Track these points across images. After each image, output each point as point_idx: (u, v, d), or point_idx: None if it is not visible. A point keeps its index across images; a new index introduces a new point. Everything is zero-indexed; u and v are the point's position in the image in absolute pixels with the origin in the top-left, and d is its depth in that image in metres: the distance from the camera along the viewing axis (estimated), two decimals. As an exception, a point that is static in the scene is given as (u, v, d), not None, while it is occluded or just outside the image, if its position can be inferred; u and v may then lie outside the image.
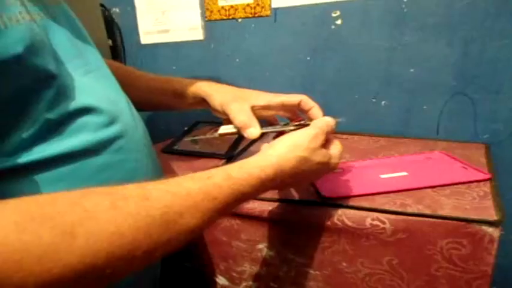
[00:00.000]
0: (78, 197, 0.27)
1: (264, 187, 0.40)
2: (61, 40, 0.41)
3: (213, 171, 0.37)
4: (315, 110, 0.53)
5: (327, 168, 0.47)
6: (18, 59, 0.32)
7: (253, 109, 0.53)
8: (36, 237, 0.23)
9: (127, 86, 0.55)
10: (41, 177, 0.36)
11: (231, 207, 0.36)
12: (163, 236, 0.29)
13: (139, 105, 0.67)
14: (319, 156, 0.45)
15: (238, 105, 0.53)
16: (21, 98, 0.33)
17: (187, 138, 0.86)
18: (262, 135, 0.52)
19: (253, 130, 0.51)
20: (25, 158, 0.34)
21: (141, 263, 0.29)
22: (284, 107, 0.56)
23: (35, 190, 0.35)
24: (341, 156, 0.49)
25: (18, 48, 0.32)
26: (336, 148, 0.48)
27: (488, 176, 0.55)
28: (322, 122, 0.48)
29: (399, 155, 0.69)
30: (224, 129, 0.53)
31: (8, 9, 0.32)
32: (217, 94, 0.57)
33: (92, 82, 0.43)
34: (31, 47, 0.33)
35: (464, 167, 0.59)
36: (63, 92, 0.37)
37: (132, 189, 0.30)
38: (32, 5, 0.38)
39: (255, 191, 0.39)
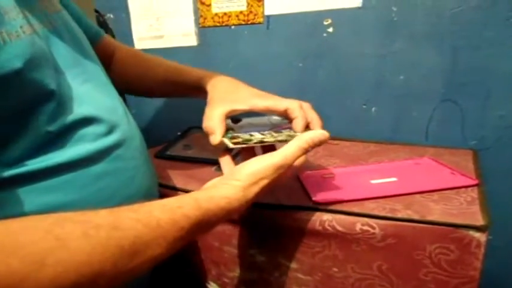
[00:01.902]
0: (51, 224, 0.27)
1: (226, 217, 0.40)
2: (60, 50, 0.42)
3: (183, 199, 0.37)
4: (296, 121, 0.50)
5: (280, 181, 0.46)
6: (17, 74, 0.32)
7: (235, 112, 0.52)
8: (5, 267, 0.23)
9: (142, 74, 0.55)
10: (39, 187, 0.36)
11: (195, 235, 0.37)
12: (128, 266, 0.29)
13: (153, 93, 0.69)
14: (278, 180, 0.45)
15: (210, 110, 0.51)
16: (22, 112, 0.34)
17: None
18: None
19: (213, 138, 0.49)
20: (24, 168, 0.34)
21: None
22: (271, 112, 0.54)
23: (34, 199, 0.35)
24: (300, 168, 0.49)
25: (18, 64, 0.32)
26: (298, 161, 0.47)
27: (475, 182, 0.56)
28: (294, 147, 0.44)
29: (389, 161, 0.70)
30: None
31: (9, 24, 0.33)
32: (211, 94, 0.57)
33: (90, 91, 0.44)
34: (31, 62, 0.33)
35: (452, 173, 0.60)
36: (63, 104, 0.38)
37: (104, 217, 0.30)
38: (33, 16, 0.38)
39: (219, 221, 0.39)
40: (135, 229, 0.31)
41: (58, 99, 0.37)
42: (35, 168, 0.35)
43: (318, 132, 0.47)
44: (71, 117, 0.38)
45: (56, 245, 0.26)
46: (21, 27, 0.34)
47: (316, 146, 0.47)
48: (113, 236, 0.29)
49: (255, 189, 0.42)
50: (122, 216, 0.31)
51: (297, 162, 0.47)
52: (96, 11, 1.08)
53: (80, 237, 0.27)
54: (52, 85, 0.36)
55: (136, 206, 0.33)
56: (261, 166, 0.43)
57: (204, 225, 0.36)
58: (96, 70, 0.49)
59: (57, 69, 0.39)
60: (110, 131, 0.43)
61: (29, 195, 0.35)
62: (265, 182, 0.42)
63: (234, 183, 0.41)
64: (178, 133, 0.95)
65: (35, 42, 0.35)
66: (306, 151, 0.46)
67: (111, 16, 1.10)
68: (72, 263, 0.26)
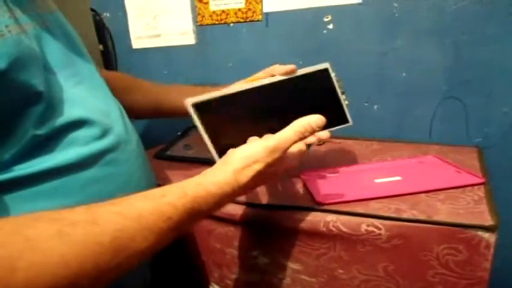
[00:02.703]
0: (22, 225, 0.26)
1: (220, 203, 0.38)
2: (53, 50, 0.40)
3: (168, 188, 0.35)
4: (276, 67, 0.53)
5: (281, 172, 0.45)
6: (1, 75, 0.31)
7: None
8: None
9: (127, 96, 0.54)
10: (26, 193, 0.35)
11: (187, 225, 0.35)
12: (112, 262, 0.28)
13: (139, 115, 0.66)
14: (276, 167, 0.43)
15: None
16: (7, 115, 0.32)
17: None
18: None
19: None
20: (11, 173, 0.33)
21: None
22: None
23: (20, 206, 0.34)
24: (299, 158, 0.46)
25: (1, 64, 0.31)
26: (296, 147, 0.45)
27: (482, 180, 0.55)
28: (289, 131, 0.43)
29: (393, 159, 0.69)
30: None
31: None
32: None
33: (83, 93, 0.42)
34: (16, 62, 0.32)
35: (457, 171, 0.59)
36: (53, 106, 0.36)
37: (80, 214, 0.28)
38: (24, 15, 0.37)
39: (212, 208, 0.37)
40: (116, 222, 0.29)
41: (47, 101, 0.35)
42: (22, 174, 0.34)
43: (315, 117, 0.46)
44: (61, 120, 0.37)
45: (26, 246, 0.24)
46: (6, 26, 0.33)
47: (314, 131, 0.45)
48: (90, 232, 0.27)
49: (249, 173, 0.40)
50: (100, 211, 0.29)
51: (296, 153, 0.45)
52: (93, 10, 1.06)
53: (53, 236, 0.25)
54: (40, 86, 0.35)
55: (117, 200, 0.31)
56: (253, 149, 0.41)
57: (194, 213, 0.35)
58: (91, 72, 0.48)
59: (48, 69, 0.38)
60: (102, 135, 0.41)
61: (15, 202, 0.34)
62: (259, 165, 0.40)
63: (224, 167, 0.40)
64: (179, 133, 0.94)
65: (21, 41, 0.34)
66: (302, 136, 0.44)
67: (108, 15, 1.09)
68: (45, 265, 0.24)
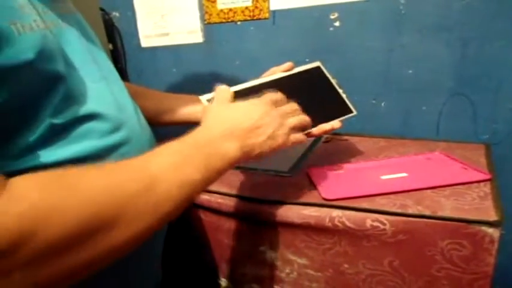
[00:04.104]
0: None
1: (208, 146, 0.40)
2: (75, 47, 0.42)
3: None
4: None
5: (280, 117, 0.47)
6: (30, 65, 0.33)
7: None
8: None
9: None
10: None
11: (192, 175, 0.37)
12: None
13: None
14: (260, 106, 0.46)
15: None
16: (28, 103, 0.34)
17: None
18: None
19: None
20: (30, 162, 0.34)
21: None
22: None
23: None
24: (292, 109, 0.49)
25: (30, 54, 0.33)
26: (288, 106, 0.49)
27: (488, 177, 0.55)
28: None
29: (399, 156, 0.70)
30: None
31: (23, 17, 0.34)
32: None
33: (102, 88, 0.44)
34: (42, 53, 0.34)
35: (464, 168, 0.59)
36: (71, 98, 0.38)
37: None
38: (47, 15, 0.39)
39: (195, 151, 0.39)
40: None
41: (65, 92, 0.37)
42: (39, 163, 0.35)
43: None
44: (77, 111, 0.38)
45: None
46: (34, 21, 0.35)
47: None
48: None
49: (218, 107, 0.46)
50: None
51: (289, 110, 0.49)
52: (102, 10, 1.08)
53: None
54: (60, 78, 0.37)
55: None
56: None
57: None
58: (109, 69, 0.50)
59: (70, 64, 0.40)
60: (116, 129, 0.43)
61: None
62: (228, 103, 0.47)
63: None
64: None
65: (46, 36, 0.36)
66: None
67: (117, 14, 1.11)
68: None
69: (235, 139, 0.42)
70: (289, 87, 0.56)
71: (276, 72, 0.59)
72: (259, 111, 0.45)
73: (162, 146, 0.38)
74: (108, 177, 0.31)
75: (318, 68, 0.62)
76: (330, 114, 0.57)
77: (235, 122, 0.44)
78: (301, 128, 0.50)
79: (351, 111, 0.60)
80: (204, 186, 0.39)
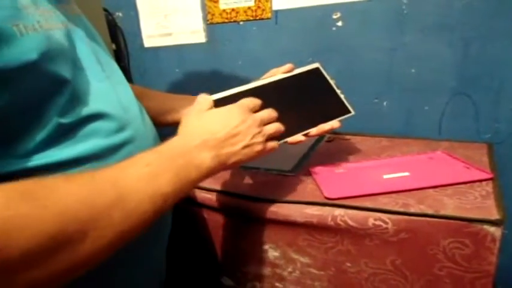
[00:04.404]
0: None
1: (182, 157, 0.40)
2: (81, 48, 0.43)
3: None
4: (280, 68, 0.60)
5: (256, 124, 0.47)
6: (33, 65, 0.33)
7: None
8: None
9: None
10: None
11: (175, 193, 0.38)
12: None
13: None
14: (235, 114, 0.46)
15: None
16: (35, 103, 0.34)
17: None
18: None
19: None
20: (36, 161, 0.35)
21: None
22: None
23: None
24: (273, 126, 0.49)
25: (33, 55, 0.33)
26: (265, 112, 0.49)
27: (490, 176, 0.55)
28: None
29: (401, 155, 0.70)
30: None
31: (26, 18, 0.34)
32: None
33: (107, 88, 0.44)
34: (47, 54, 0.34)
35: (466, 167, 0.59)
36: (77, 98, 0.38)
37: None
38: (53, 15, 0.39)
39: (173, 165, 0.39)
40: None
41: (72, 92, 0.37)
42: (46, 162, 0.35)
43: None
44: (83, 111, 0.39)
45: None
46: (38, 22, 0.35)
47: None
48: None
49: (192, 117, 0.47)
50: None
51: (266, 116, 0.49)
52: (105, 10, 1.08)
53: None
54: (67, 78, 0.37)
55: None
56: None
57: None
58: (114, 69, 0.50)
59: (77, 64, 0.40)
60: (121, 128, 0.43)
61: None
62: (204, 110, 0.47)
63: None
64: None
65: (51, 36, 0.36)
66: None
67: (120, 14, 1.11)
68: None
69: (210, 149, 0.42)
70: (289, 88, 0.58)
71: (276, 74, 0.60)
72: (235, 119, 0.45)
73: (137, 156, 0.37)
74: (78, 190, 0.30)
75: (317, 69, 0.63)
76: (328, 114, 0.59)
77: (210, 131, 0.44)
78: (276, 136, 0.50)
79: (349, 111, 0.61)
80: (176, 197, 0.38)
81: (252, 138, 0.46)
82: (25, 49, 0.32)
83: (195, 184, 0.41)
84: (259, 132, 0.47)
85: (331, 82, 0.63)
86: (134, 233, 0.34)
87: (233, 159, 0.45)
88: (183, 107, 0.66)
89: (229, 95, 0.52)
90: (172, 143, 0.42)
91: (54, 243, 0.27)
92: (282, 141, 0.53)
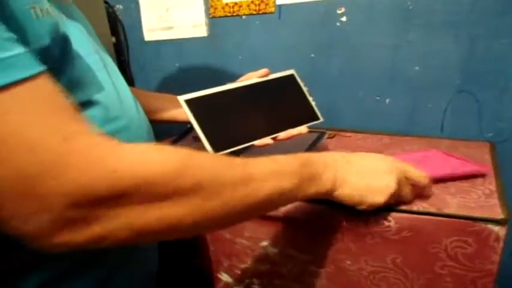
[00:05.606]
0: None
1: (305, 172, 0.41)
2: (79, 37, 0.42)
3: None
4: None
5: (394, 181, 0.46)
6: (44, 51, 0.32)
7: None
8: None
9: None
10: None
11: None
12: None
13: None
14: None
15: None
16: None
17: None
18: None
19: None
20: None
21: None
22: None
23: None
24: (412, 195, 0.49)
25: (46, 40, 0.32)
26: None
27: (487, 169, 0.54)
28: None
29: (400, 153, 0.69)
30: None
31: (41, 1, 0.33)
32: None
33: (104, 78, 0.44)
34: (55, 39, 0.34)
35: (463, 163, 0.59)
36: (74, 84, 0.38)
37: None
38: (52, 4, 0.39)
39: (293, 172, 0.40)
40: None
41: (69, 79, 0.37)
42: None
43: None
44: (80, 97, 0.38)
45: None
46: (49, 6, 0.34)
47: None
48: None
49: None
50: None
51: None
52: (106, 2, 1.07)
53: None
54: (65, 63, 0.37)
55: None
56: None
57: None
58: (109, 60, 0.50)
59: (74, 52, 0.40)
60: (115, 118, 0.43)
61: None
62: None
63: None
64: (188, 125, 0.95)
65: (58, 22, 0.35)
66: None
67: (120, 7, 1.10)
68: None
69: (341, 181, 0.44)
70: (262, 92, 0.62)
71: (252, 78, 0.62)
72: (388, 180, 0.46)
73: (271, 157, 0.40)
74: (218, 160, 0.35)
75: (292, 75, 0.67)
76: (299, 119, 0.62)
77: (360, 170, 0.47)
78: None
79: (318, 118, 0.65)
80: (287, 201, 0.41)
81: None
82: (42, 32, 0.32)
83: (304, 199, 0.43)
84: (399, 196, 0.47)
85: (304, 89, 0.66)
86: (236, 217, 0.37)
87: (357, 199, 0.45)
88: (168, 106, 0.69)
89: (201, 96, 0.55)
90: (313, 155, 0.45)
91: (195, 189, 0.31)
92: (248, 143, 0.55)
